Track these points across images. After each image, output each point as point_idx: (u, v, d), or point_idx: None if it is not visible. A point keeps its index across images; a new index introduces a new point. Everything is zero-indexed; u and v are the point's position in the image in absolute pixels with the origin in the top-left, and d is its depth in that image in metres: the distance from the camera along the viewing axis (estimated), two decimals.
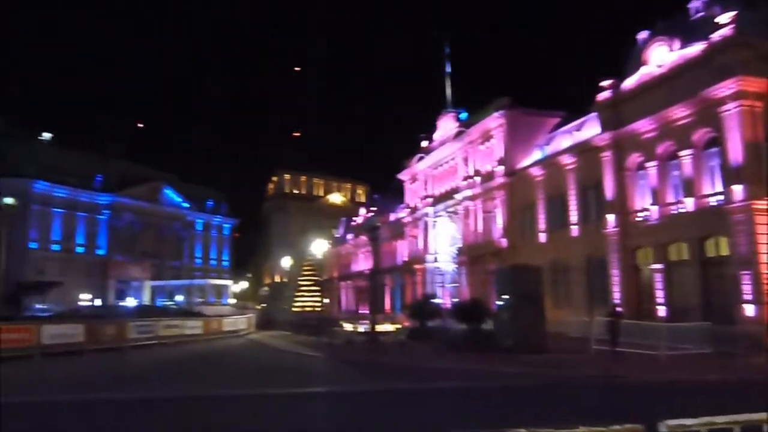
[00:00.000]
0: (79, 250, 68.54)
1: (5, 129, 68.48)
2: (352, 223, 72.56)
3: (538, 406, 10.43)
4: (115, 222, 71.41)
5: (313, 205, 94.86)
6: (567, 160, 33.68)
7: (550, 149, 36.61)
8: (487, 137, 42.67)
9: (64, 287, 58.15)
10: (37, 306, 51.22)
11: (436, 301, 34.52)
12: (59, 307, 49.97)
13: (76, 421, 9.54)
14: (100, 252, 70.60)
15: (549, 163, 35.38)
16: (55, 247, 66.20)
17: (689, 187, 25.35)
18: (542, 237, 35.82)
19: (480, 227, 43.03)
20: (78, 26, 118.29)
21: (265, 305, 64.18)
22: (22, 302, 47.93)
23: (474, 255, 42.65)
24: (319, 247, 43.36)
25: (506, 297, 21.04)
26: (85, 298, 62.56)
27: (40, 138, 71.73)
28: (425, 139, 53.06)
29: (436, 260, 49.74)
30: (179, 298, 64.33)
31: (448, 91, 48.80)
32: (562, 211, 33.83)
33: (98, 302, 62.82)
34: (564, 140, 35.45)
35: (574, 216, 33.13)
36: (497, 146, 41.20)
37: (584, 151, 31.96)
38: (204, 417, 9.82)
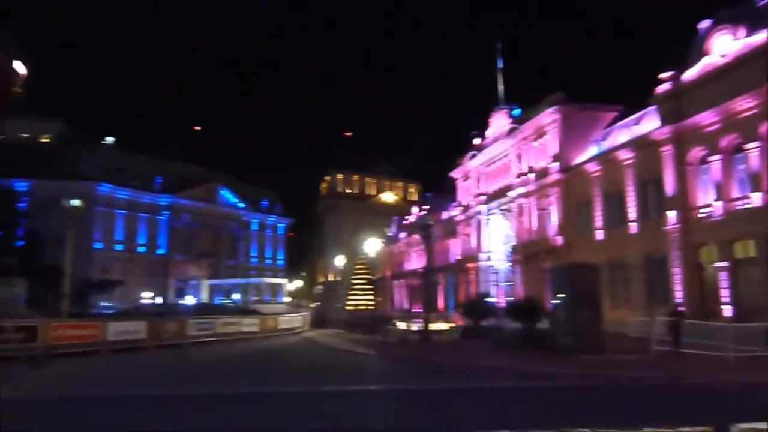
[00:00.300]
0: (141, 249, 71.11)
1: (71, 135, 72.03)
2: (405, 222, 72.66)
3: (599, 407, 10.22)
4: (174, 222, 73.76)
5: (365, 204, 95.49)
6: (625, 155, 32.82)
7: (606, 144, 35.76)
8: (541, 133, 42.01)
9: (126, 286, 60.51)
10: (103, 304, 53.43)
11: (489, 299, 34.17)
12: (122, 304, 52.03)
13: (154, 413, 9.95)
14: (161, 252, 73.05)
15: (606, 158, 34.56)
16: (118, 247, 68.88)
17: (756, 182, 24.31)
18: (599, 234, 35.03)
19: (534, 225, 42.42)
20: (136, 34, 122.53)
21: (318, 303, 64.94)
22: (89, 300, 50.07)
23: (528, 253, 42.07)
24: (371, 245, 43.62)
25: (562, 296, 20.66)
26: (146, 296, 64.97)
27: (103, 143, 75.01)
28: (477, 137, 52.64)
29: (489, 258, 49.30)
30: (236, 296, 65.91)
31: (501, 88, 48.23)
32: (620, 208, 33.00)
33: (159, 300, 65.19)
34: (621, 135, 34.56)
35: (632, 213, 32.27)
36: (552, 142, 40.52)
37: (643, 145, 31.08)
38: (267, 413, 10.06)
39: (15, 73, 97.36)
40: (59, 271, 26.08)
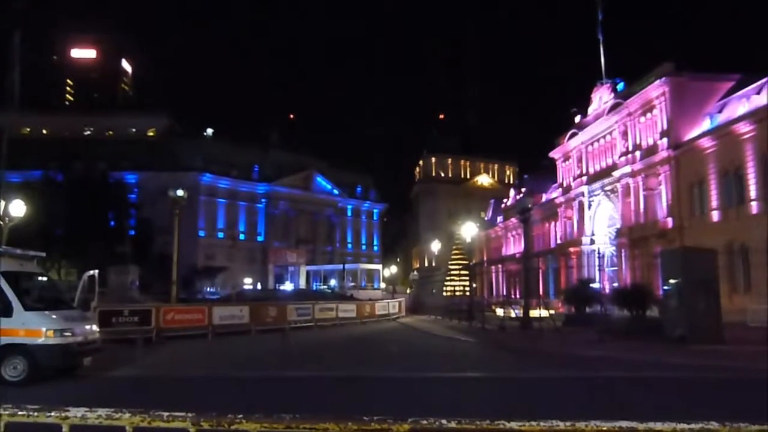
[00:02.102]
0: (241, 237, 74.52)
1: (175, 128, 76.33)
2: (502, 206, 71.66)
3: (721, 400, 9.70)
4: (271, 210, 76.62)
5: (461, 188, 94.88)
6: (744, 128, 30.65)
7: (722, 117, 33.52)
8: (648, 108, 40.06)
9: (229, 272, 63.66)
10: (207, 289, 56.54)
11: (593, 285, 33.12)
12: (225, 290, 54.80)
13: (257, 393, 10.50)
14: (260, 239, 76.19)
15: (722, 132, 32.44)
16: (220, 234, 72.52)
17: None
18: (715, 215, 33.05)
19: (641, 206, 40.65)
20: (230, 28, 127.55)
21: (414, 289, 65.45)
22: (195, 286, 53.12)
23: (635, 236, 40.41)
24: (468, 230, 43.23)
25: (674, 282, 19.66)
26: (247, 282, 68.04)
27: (204, 134, 78.90)
28: (578, 114, 50.94)
29: (592, 242, 47.84)
30: (332, 282, 67.64)
31: (603, 61, 46.25)
32: (739, 186, 30.94)
33: (259, 286, 68.15)
34: (740, 106, 32.26)
35: (753, 191, 30.13)
36: (660, 117, 38.56)
37: (766, 117, 28.87)
38: (365, 396, 10.31)
39: (123, 71, 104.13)
40: (168, 259, 27.77)
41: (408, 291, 66.41)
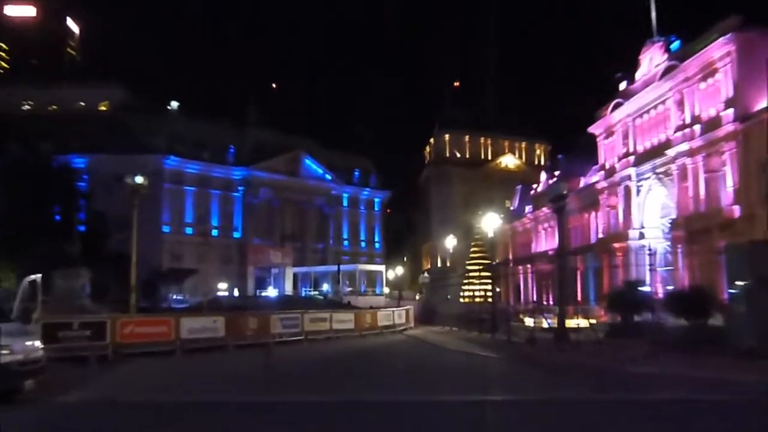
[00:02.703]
0: (214, 233, 74.54)
1: (132, 102, 75.82)
2: (531, 192, 71.61)
3: None
4: (250, 199, 76.65)
5: (480, 172, 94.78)
6: None
7: None
8: (709, 71, 39.87)
9: (199, 275, 63.69)
10: (174, 296, 56.62)
11: (643, 288, 33.09)
12: (196, 297, 54.78)
13: (234, 423, 10.44)
14: (237, 235, 76.30)
15: None
16: (188, 230, 72.61)
17: None
18: None
19: (701, 192, 40.54)
20: None
21: (424, 295, 65.51)
22: (159, 292, 53.17)
23: (694, 229, 40.32)
24: (489, 223, 43.09)
25: (743, 283, 19.60)
26: (222, 288, 68.30)
27: (168, 108, 78.76)
28: (624, 80, 50.74)
29: (642, 236, 47.76)
30: (325, 287, 67.68)
31: (654, 14, 45.94)
32: None
33: (236, 292, 68.34)
34: None
35: None
36: (724, 83, 38.38)
37: None
38: (367, 426, 10.26)
39: (69, 33, 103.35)
40: (126, 259, 27.78)
41: (417, 297, 66.44)
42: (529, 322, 35.17)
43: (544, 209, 61.60)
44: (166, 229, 69.80)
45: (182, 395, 13.67)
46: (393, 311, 39.22)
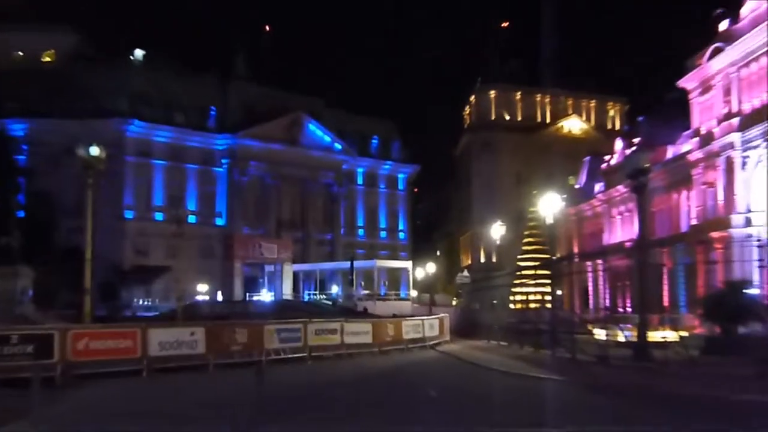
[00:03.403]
0: (191, 220, 74.99)
1: (83, 50, 75.60)
2: (603, 166, 71.12)
3: None
4: (238, 176, 77.02)
5: (536, 139, 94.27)
6: None
7: None
8: None
9: (172, 274, 64.19)
10: (140, 302, 57.13)
11: (750, 291, 32.78)
12: (168, 303, 55.22)
13: None
14: (220, 222, 76.92)
15: None
16: (158, 216, 73.28)
17: None
18: None
19: None
20: None
21: (463, 300, 65.45)
22: (121, 296, 53.65)
23: None
24: (548, 206, 42.83)
25: None
26: (201, 291, 68.75)
27: (131, 59, 78.56)
28: (725, 19, 50.13)
29: (748, 223, 47.21)
30: (335, 289, 67.87)
31: None
32: None
33: (220, 296, 68.94)
34: None
35: None
36: None
37: None
38: None
39: None
40: (78, 254, 27.93)
41: (454, 302, 66.44)
42: (600, 334, 34.94)
43: (620, 188, 61.21)
44: (129, 215, 70.42)
45: (144, 427, 13.72)
46: (422, 321, 39.23)
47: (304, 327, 29.24)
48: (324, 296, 66.25)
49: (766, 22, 45.14)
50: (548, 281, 48.26)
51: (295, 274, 71.95)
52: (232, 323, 28.93)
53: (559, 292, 52.25)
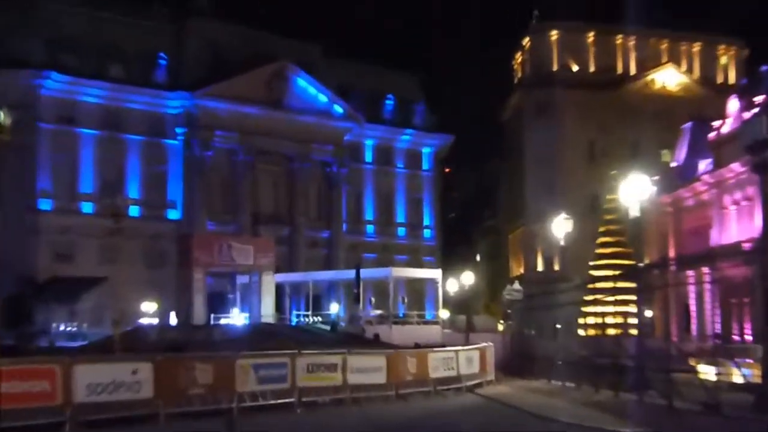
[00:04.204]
0: (134, 212, 74.87)
1: None
2: (711, 135, 70.50)
3: None
4: (198, 151, 76.83)
5: (615, 98, 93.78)
6: None
7: None
8: None
9: (107, 288, 64.11)
10: (62, 326, 57.01)
11: None
12: (100, 328, 55.08)
13: None
14: (173, 216, 76.84)
15: None
16: (86, 207, 73.28)
17: None
18: None
19: None
20: None
21: (514, 323, 65.17)
22: (34, 318, 53.59)
23: None
24: (632, 191, 42.54)
25: None
26: (148, 311, 68.99)
27: None
28: None
29: None
30: (334, 308, 67.65)
31: None
32: None
33: (174, 318, 69.04)
34: None
35: None
36: None
37: None
38: None
39: None
40: None
41: (500, 326, 66.17)
42: (707, 372, 34.65)
43: (734, 165, 60.77)
44: (45, 205, 70.47)
45: None
46: (457, 353, 39.05)
47: (291, 361, 29.07)
48: (319, 318, 66.00)
49: None
50: (633, 298, 47.92)
51: (279, 288, 71.42)
52: (191, 357, 28.75)
53: (648, 313, 51.74)
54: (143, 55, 75.03)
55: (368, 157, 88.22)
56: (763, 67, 69.17)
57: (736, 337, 59.11)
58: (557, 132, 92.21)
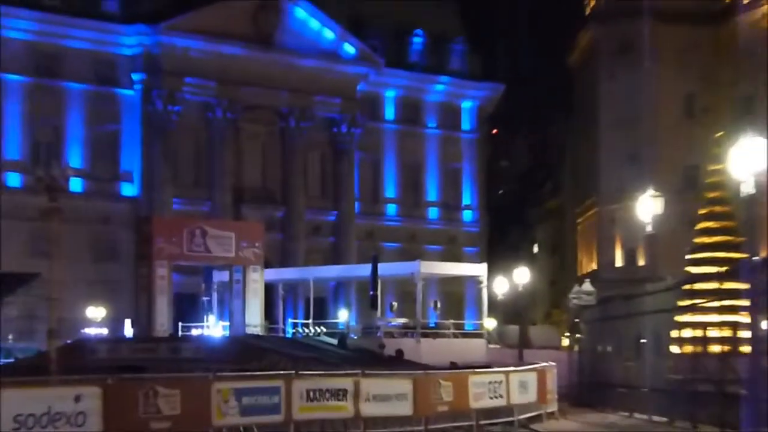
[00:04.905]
0: (74, 186, 74.97)
1: None
2: None
3: None
4: (161, 106, 76.91)
5: (720, 35, 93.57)
6: None
7: None
8: None
9: (38, 287, 64.27)
10: None
11: None
12: (31, 341, 55.36)
13: None
14: (128, 191, 77.01)
15: None
16: (11, 179, 73.65)
17: None
18: None
19: None
20: None
21: (585, 336, 65.36)
22: None
23: None
24: (746, 160, 42.48)
25: None
26: (94, 318, 69.39)
27: None
28: None
29: None
30: (343, 315, 67.83)
31: None
32: None
33: (129, 328, 69.17)
34: None
35: None
36: None
37: None
38: None
39: None
40: None
41: (566, 340, 66.22)
42: None
43: None
44: None
45: None
46: (507, 375, 39.16)
47: (285, 385, 29.16)
48: (323, 329, 65.96)
49: None
50: (745, 303, 47.95)
51: (270, 288, 71.41)
52: (153, 379, 28.80)
53: (765, 325, 51.89)
54: None
55: (389, 113, 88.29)
56: None
57: None
58: (644, 82, 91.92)
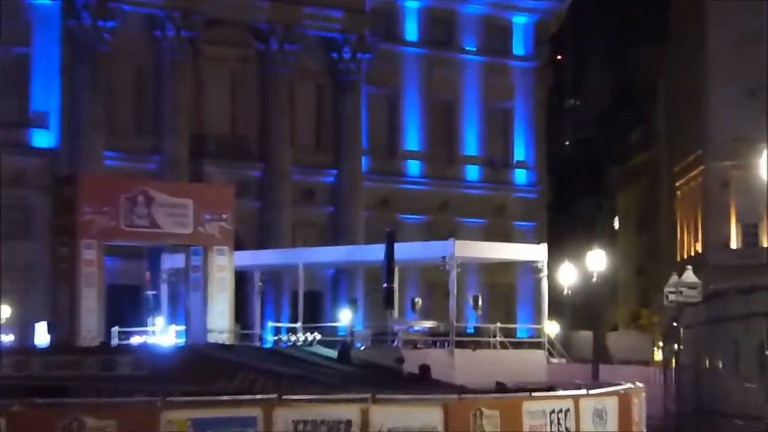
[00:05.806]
0: None
1: None
2: None
3: None
4: (88, 20, 76.96)
5: None
6: None
7: None
8: None
9: None
10: None
11: None
12: None
13: None
14: (42, 141, 77.07)
15: None
16: None
17: None
18: None
19: None
20: None
21: (683, 347, 65.65)
22: None
23: None
24: None
25: None
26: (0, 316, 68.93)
27: None
28: None
29: None
30: (345, 316, 68.03)
31: None
32: None
33: (42, 333, 68.88)
34: None
35: None
36: None
37: None
38: None
39: None
40: None
41: (658, 352, 66.43)
42: None
43: None
44: None
45: None
46: (577, 400, 39.21)
47: (265, 414, 29.17)
48: (318, 335, 66.07)
49: None
50: None
51: (243, 278, 71.71)
52: (77, 406, 28.83)
53: None
54: None
55: (411, 32, 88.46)
56: None
57: None
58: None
